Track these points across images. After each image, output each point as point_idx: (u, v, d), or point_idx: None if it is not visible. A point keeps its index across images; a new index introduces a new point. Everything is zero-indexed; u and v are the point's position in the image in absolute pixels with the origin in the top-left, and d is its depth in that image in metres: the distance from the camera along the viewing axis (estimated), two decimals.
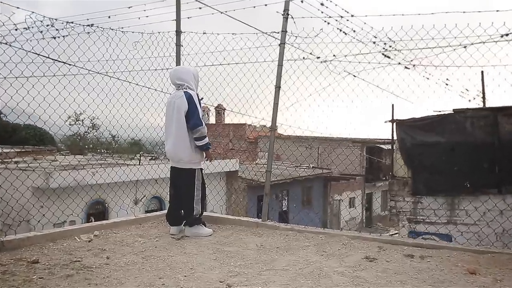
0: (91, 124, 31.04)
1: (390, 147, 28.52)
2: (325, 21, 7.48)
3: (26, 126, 24.66)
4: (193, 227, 4.14)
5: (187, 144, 4.08)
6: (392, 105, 10.25)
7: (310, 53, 6.56)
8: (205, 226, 4.23)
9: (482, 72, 12.30)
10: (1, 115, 26.55)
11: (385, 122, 10.40)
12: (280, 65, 4.21)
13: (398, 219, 9.90)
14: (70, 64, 5.13)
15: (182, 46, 4.64)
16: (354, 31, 9.23)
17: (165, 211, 4.61)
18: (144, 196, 15.43)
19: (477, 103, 14.38)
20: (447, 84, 12.32)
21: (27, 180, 5.22)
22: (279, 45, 4.28)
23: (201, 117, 4.07)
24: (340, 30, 9.17)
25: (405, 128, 9.75)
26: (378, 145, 28.19)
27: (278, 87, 4.22)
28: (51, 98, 4.25)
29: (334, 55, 6.38)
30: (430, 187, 9.43)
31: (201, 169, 4.22)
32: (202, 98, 4.36)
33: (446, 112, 9.41)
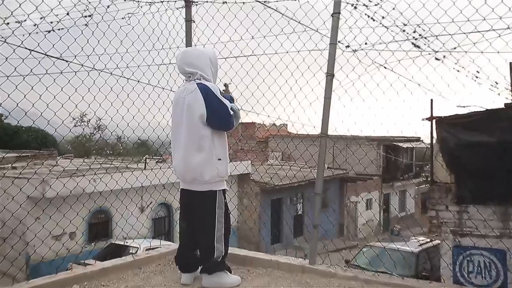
0: (96, 125, 30.09)
1: (409, 145, 27.22)
2: (352, 5, 6.32)
3: (28, 128, 23.65)
4: (214, 275, 2.92)
5: (204, 157, 2.88)
6: (431, 100, 8.99)
7: (339, 42, 5.37)
8: (230, 272, 3.02)
9: (510, 63, 11.06)
10: (2, 117, 25.59)
11: (423, 119, 9.11)
12: (333, 44, 3.00)
13: (440, 231, 8.64)
14: (67, 61, 4.06)
15: (193, 21, 3.44)
16: (383, 17, 8.00)
17: (174, 247, 3.41)
18: (151, 202, 14.36)
19: (505, 97, 13.23)
20: (477, 77, 10.99)
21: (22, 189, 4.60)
22: (332, 15, 3.07)
23: (228, 107, 2.89)
24: (368, 16, 7.90)
25: (447, 127, 8.47)
26: (395, 143, 26.91)
27: (331, 76, 2.99)
28: (51, 98, 3.31)
29: (365, 43, 5.22)
30: (478, 194, 8.15)
31: (225, 190, 3.01)
32: (223, 91, 3.17)
33: (495, 108, 8.17)
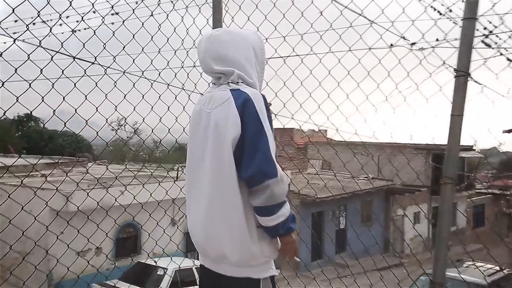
0: (133, 129, 29.64)
1: (469, 155, 25.18)
2: None
3: (62, 133, 23.32)
4: None
5: (239, 220, 1.65)
6: None
7: (403, 38, 4.08)
8: None
9: None
10: (40, 120, 25.41)
11: (504, 132, 7.60)
12: (471, 18, 1.73)
13: None
14: (93, 63, 3.18)
15: None
16: (450, 10, 6.70)
17: None
18: (183, 215, 13.42)
19: None
20: None
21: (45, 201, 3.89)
22: None
23: (272, 154, 1.64)
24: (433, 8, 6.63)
25: None
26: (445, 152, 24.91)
27: (465, 75, 1.72)
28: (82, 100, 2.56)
29: (436, 39, 3.93)
30: None
31: (273, 277, 1.77)
32: (270, 104, 1.92)
33: None
